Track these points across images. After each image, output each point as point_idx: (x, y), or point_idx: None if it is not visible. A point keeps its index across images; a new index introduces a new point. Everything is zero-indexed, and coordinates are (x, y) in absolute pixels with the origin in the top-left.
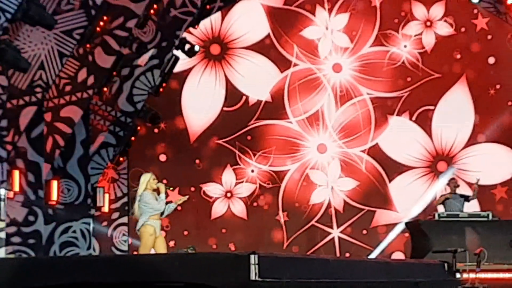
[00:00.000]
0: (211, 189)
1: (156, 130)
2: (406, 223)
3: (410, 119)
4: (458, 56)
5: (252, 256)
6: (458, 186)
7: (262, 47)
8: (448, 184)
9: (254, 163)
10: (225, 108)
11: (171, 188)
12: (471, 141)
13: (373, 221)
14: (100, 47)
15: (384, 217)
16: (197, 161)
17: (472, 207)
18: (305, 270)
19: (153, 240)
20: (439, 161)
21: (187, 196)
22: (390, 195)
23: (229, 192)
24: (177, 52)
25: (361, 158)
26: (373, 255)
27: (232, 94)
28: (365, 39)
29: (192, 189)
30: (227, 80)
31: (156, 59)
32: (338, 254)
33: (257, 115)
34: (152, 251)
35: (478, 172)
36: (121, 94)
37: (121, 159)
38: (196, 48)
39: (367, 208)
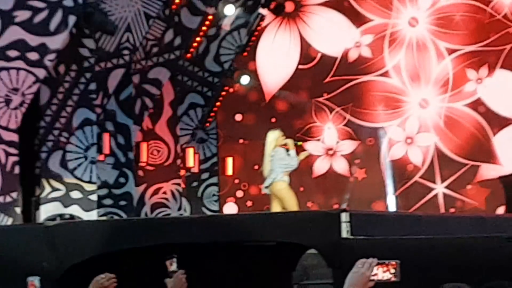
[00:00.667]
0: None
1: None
2: (500, 178)
3: None
4: None
5: (343, 214)
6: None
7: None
8: None
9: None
10: (300, 66)
11: (300, 143)
12: None
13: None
14: (185, 7)
15: (490, 172)
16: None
17: None
18: (397, 227)
19: (292, 192)
20: None
21: (309, 151)
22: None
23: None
24: (263, 11)
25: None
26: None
27: (307, 51)
28: None
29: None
30: (302, 38)
31: (242, 18)
32: (443, 210)
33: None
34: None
35: None
36: (208, 54)
37: (210, 118)
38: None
39: (471, 162)
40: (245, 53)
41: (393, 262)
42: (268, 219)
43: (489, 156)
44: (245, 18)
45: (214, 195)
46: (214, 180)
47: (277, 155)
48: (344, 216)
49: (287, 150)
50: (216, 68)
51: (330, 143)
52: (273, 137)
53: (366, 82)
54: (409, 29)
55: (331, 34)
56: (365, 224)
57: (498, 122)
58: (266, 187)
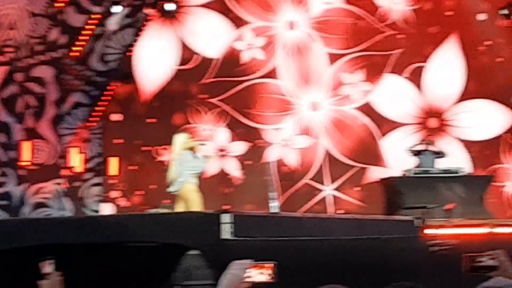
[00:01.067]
0: None
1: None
2: (381, 180)
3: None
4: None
5: (223, 215)
6: (431, 142)
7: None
8: (422, 140)
9: None
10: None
11: (205, 144)
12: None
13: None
14: (71, 5)
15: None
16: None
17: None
18: (279, 229)
19: (199, 197)
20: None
21: (215, 154)
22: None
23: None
24: (149, 10)
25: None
26: None
27: (186, 52)
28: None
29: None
30: (180, 38)
31: (129, 18)
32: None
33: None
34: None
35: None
36: (93, 53)
37: (95, 118)
38: (171, 6)
39: (359, 165)
40: (131, 53)
41: (269, 264)
42: (148, 220)
43: (377, 159)
44: (131, 17)
45: (97, 195)
46: (97, 180)
47: (184, 158)
48: (225, 217)
49: (194, 152)
50: (102, 68)
51: (221, 144)
52: (180, 140)
53: (251, 84)
54: (290, 32)
55: (210, 36)
56: (248, 225)
57: (386, 125)
58: (176, 191)
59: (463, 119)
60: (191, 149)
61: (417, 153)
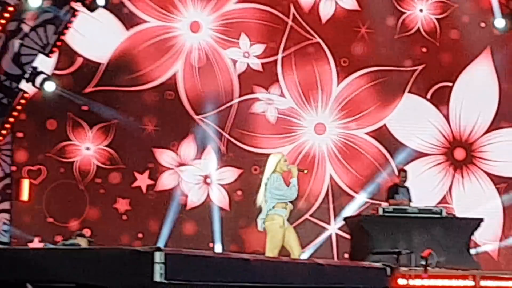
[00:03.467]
0: None
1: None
2: (345, 219)
3: None
4: None
5: (157, 253)
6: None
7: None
8: (397, 175)
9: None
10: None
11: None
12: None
13: None
14: None
15: None
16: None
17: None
18: (221, 271)
19: (282, 233)
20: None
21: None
22: None
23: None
24: (76, 5)
25: None
26: None
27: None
28: None
29: None
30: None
31: (50, 13)
32: (335, 254)
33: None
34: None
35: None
36: (5, 54)
37: (3, 131)
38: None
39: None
40: (51, 55)
41: None
42: (67, 256)
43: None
44: (54, 12)
45: (4, 223)
46: (5, 205)
47: (272, 183)
48: (158, 256)
49: (290, 178)
50: (15, 71)
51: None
52: (274, 160)
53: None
54: (190, 35)
55: (98, 37)
56: (183, 266)
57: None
58: (263, 221)
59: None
60: (287, 172)
61: (394, 188)
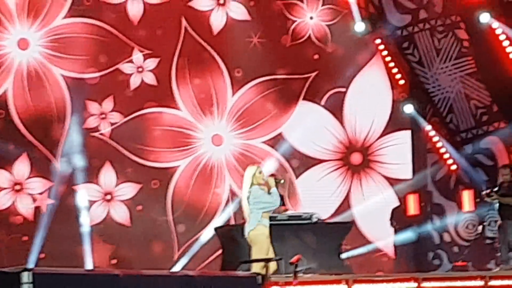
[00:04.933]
0: None
1: None
2: (216, 229)
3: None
4: None
5: (24, 274)
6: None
7: None
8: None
9: None
10: None
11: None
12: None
13: None
14: None
15: None
16: None
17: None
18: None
19: (268, 244)
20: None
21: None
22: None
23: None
24: None
25: None
26: None
27: None
28: None
29: None
30: None
31: None
32: None
33: None
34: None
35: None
36: None
37: None
38: None
39: None
40: None
41: None
42: None
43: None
44: None
45: None
46: None
47: (255, 195)
48: (26, 277)
49: (268, 189)
50: None
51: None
52: (250, 173)
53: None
54: (19, 52)
55: None
56: (52, 286)
57: (301, 162)
58: (248, 233)
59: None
60: (264, 184)
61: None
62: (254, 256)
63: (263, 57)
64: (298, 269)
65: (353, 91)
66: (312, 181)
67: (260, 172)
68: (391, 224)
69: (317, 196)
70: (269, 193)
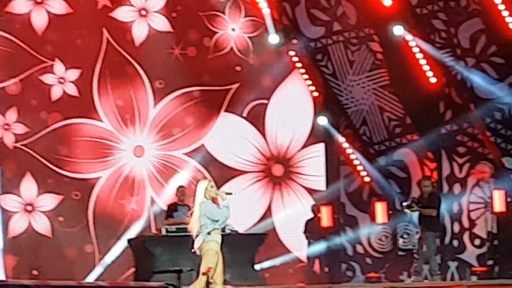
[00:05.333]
0: None
1: None
2: (129, 240)
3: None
4: None
5: None
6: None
7: None
8: (176, 193)
9: None
10: None
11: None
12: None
13: None
14: None
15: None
16: None
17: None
18: None
19: (217, 259)
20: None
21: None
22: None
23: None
24: None
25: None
26: None
27: None
28: None
29: None
30: None
31: None
32: None
33: None
34: None
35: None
36: None
37: None
38: None
39: None
40: None
41: None
42: None
43: None
44: None
45: None
46: None
47: (206, 209)
48: None
49: (216, 203)
50: None
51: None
52: (202, 187)
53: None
54: None
55: None
56: None
57: (222, 174)
58: (199, 248)
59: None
60: (215, 198)
61: (173, 207)
62: (202, 269)
63: (185, 69)
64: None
65: (275, 103)
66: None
67: (212, 186)
68: (305, 236)
69: (239, 207)
70: (220, 206)
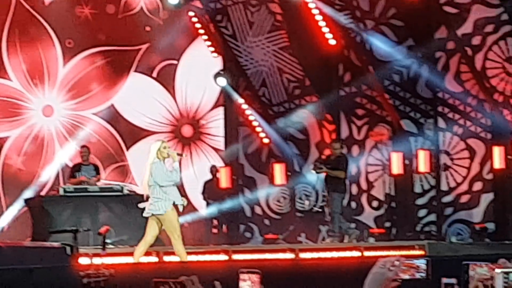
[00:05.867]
0: None
1: None
2: (26, 200)
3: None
4: None
5: None
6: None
7: None
8: (79, 153)
9: None
10: None
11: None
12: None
13: None
14: None
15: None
16: None
17: None
18: None
19: (176, 215)
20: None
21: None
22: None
23: None
24: None
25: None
26: None
27: None
28: None
29: None
30: None
31: None
32: None
33: None
34: None
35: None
36: None
37: None
38: None
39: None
40: None
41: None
42: None
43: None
44: None
45: None
46: None
47: (155, 170)
48: None
49: (167, 162)
50: None
51: None
52: (155, 147)
53: None
54: None
55: None
56: None
57: (132, 134)
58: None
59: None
60: (166, 158)
61: (76, 167)
62: (169, 231)
63: (94, 28)
64: (107, 240)
65: (184, 64)
66: (143, 152)
67: (165, 147)
68: (203, 197)
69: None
70: (170, 168)
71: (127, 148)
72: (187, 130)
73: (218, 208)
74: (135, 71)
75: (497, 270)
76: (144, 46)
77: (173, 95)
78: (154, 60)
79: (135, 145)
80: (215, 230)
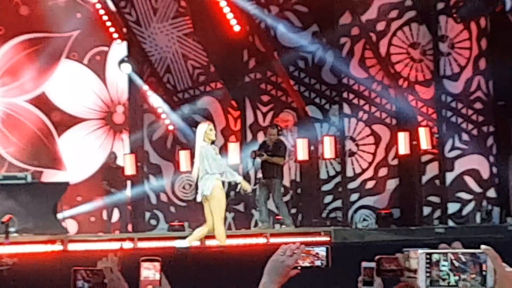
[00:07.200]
0: None
1: None
2: None
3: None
4: None
5: None
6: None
7: None
8: None
9: None
10: None
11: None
12: None
13: None
14: None
15: (53, 178)
16: None
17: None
18: None
19: (224, 196)
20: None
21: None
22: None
23: None
24: None
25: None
26: None
27: None
28: None
29: None
30: None
31: None
32: None
33: None
34: None
35: None
36: None
37: None
38: None
39: (33, 168)
40: None
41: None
42: None
43: (53, 161)
44: None
45: None
46: None
47: (206, 151)
48: None
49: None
50: None
51: None
52: (202, 131)
53: None
54: None
55: None
56: None
57: (64, 121)
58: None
59: None
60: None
61: None
62: (214, 210)
63: (25, 15)
64: (11, 229)
65: (115, 50)
66: (75, 139)
67: (211, 130)
68: (106, 184)
69: (80, 154)
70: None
71: (59, 135)
72: (118, 117)
73: (122, 196)
74: (66, 57)
75: (420, 251)
76: (75, 33)
77: (104, 81)
78: (85, 46)
79: (67, 132)
80: (117, 218)
